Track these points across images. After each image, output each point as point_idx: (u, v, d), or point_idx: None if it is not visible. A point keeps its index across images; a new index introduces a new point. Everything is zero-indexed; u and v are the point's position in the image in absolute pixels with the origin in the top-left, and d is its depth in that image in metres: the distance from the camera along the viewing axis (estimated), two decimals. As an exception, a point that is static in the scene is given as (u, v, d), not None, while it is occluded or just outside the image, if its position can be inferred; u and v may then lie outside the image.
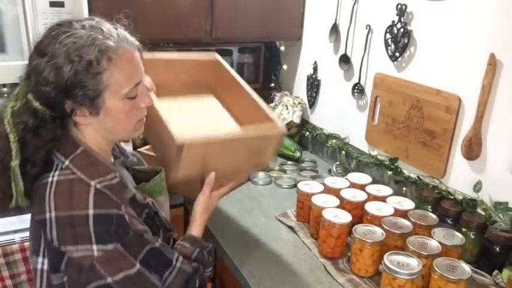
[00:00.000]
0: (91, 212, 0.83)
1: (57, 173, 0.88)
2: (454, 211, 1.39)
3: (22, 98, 0.87)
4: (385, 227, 1.31)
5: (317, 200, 1.46)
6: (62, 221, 0.84)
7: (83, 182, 0.87)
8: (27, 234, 1.44)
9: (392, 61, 1.66)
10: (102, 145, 0.97)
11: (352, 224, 1.35)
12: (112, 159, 1.04)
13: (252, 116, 1.33)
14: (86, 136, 0.94)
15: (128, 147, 1.59)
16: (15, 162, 0.86)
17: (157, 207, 1.03)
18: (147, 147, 1.72)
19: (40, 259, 0.90)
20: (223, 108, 1.47)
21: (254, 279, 1.23)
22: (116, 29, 0.91)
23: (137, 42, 0.94)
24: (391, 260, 1.15)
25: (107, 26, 0.89)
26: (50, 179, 0.88)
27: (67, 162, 0.89)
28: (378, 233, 1.29)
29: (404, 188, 1.65)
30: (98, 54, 0.83)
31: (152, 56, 1.32)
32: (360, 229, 1.30)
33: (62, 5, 1.52)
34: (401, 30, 1.59)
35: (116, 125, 0.94)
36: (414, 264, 1.14)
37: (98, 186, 0.86)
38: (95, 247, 0.83)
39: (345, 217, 1.36)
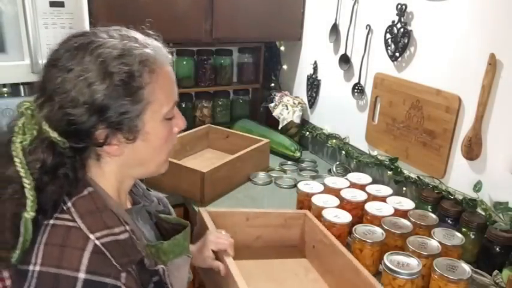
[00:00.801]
0: (81, 276, 0.65)
1: (55, 215, 0.70)
2: (454, 211, 1.39)
3: (31, 130, 0.69)
4: (385, 227, 1.31)
5: (317, 200, 1.46)
6: (45, 279, 0.67)
7: (81, 233, 0.68)
8: (27, 234, 1.45)
9: (392, 61, 1.66)
10: (122, 185, 0.80)
11: (352, 224, 1.35)
12: (129, 205, 0.86)
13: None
14: (105, 173, 0.76)
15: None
16: (30, 215, 0.67)
17: (166, 278, 0.79)
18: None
19: None
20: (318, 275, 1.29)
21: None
22: (148, 37, 0.77)
23: (170, 55, 0.79)
24: (391, 260, 1.15)
25: (138, 35, 0.76)
26: (45, 222, 0.70)
27: (69, 203, 0.71)
28: (378, 233, 1.29)
29: (404, 188, 1.65)
30: (139, 66, 0.70)
31: (232, 209, 1.27)
32: (360, 229, 1.30)
33: (62, 5, 1.52)
34: (401, 30, 1.59)
35: (151, 155, 0.77)
36: (414, 264, 1.14)
37: (98, 242, 0.68)
38: None
39: (345, 217, 1.36)
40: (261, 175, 1.90)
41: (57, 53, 0.72)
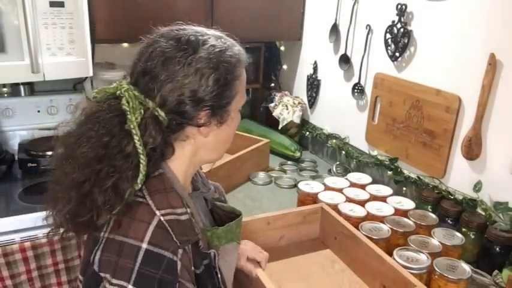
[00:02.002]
0: (144, 246, 0.72)
1: None
2: (454, 211, 1.39)
3: (139, 109, 0.75)
4: (389, 226, 1.32)
5: (323, 197, 1.50)
6: (111, 245, 0.75)
7: (149, 209, 0.76)
8: (27, 234, 1.45)
9: (392, 61, 1.66)
10: (190, 169, 0.87)
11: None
12: (190, 190, 0.93)
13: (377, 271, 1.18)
14: (182, 155, 0.84)
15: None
16: (138, 187, 0.76)
17: (216, 263, 0.85)
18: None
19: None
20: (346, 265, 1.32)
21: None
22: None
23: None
24: (401, 255, 1.18)
25: (222, 34, 0.86)
26: None
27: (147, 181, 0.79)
28: (384, 230, 1.31)
29: (404, 188, 1.65)
30: (236, 60, 0.82)
31: (252, 217, 1.31)
32: (366, 226, 1.32)
33: (62, 5, 1.52)
34: (401, 30, 1.59)
35: (226, 140, 0.88)
36: (423, 259, 1.16)
37: (162, 218, 0.75)
38: (130, 287, 0.71)
39: (360, 211, 1.41)
40: (261, 175, 1.90)
41: (166, 42, 0.78)
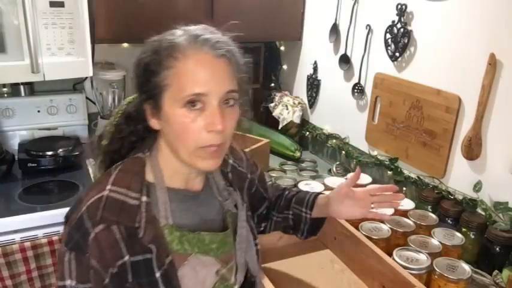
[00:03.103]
0: (83, 209, 0.78)
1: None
2: (454, 211, 1.39)
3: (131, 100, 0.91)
4: (389, 226, 1.32)
5: None
6: (75, 205, 0.83)
7: (107, 181, 0.81)
8: (27, 234, 1.45)
9: (392, 61, 1.66)
10: (176, 165, 0.84)
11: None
12: (180, 186, 0.88)
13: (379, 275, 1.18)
14: (162, 146, 0.86)
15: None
16: (100, 161, 0.93)
17: (159, 263, 0.79)
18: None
19: None
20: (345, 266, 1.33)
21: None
22: (202, 32, 0.80)
23: (218, 51, 0.79)
24: (401, 255, 1.17)
25: (191, 28, 0.82)
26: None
27: (126, 159, 0.87)
28: (384, 230, 1.31)
29: (404, 188, 1.65)
30: (164, 52, 0.78)
31: None
32: (366, 226, 1.32)
33: (62, 5, 1.52)
34: (401, 30, 1.59)
35: (175, 140, 0.81)
36: (423, 259, 1.16)
37: (106, 193, 0.79)
38: (64, 237, 0.79)
39: None
40: (261, 175, 1.90)
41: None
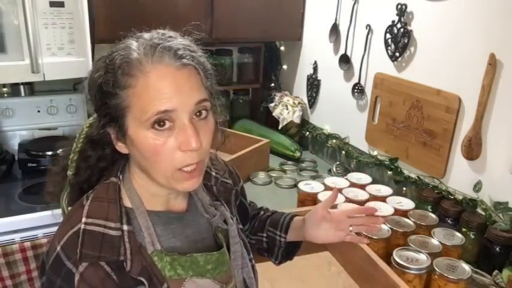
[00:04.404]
0: (58, 248, 0.71)
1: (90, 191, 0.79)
2: (454, 211, 1.39)
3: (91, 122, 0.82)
4: (389, 226, 1.32)
5: (323, 198, 1.49)
6: (53, 238, 0.75)
7: (81, 214, 0.73)
8: (27, 234, 1.45)
9: (392, 61, 1.66)
10: (152, 188, 0.78)
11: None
12: (185, 206, 0.84)
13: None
14: (133, 172, 0.79)
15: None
16: (62, 196, 0.83)
17: None
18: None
19: None
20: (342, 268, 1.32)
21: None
22: (159, 41, 0.71)
23: (177, 62, 0.70)
24: (400, 255, 1.17)
25: (146, 37, 0.72)
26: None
27: (97, 185, 0.79)
28: (384, 230, 1.31)
29: (404, 188, 1.65)
30: (117, 68, 0.69)
31: None
32: None
33: (62, 5, 1.52)
34: (401, 30, 1.59)
35: (146, 163, 0.73)
36: (423, 259, 1.16)
37: (83, 226, 0.72)
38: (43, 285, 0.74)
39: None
40: (261, 175, 1.90)
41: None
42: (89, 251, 0.70)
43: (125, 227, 0.74)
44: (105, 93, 0.70)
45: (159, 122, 0.69)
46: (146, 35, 0.73)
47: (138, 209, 0.77)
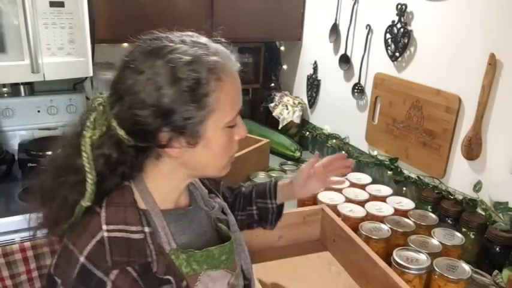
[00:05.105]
0: (81, 259, 0.70)
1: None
2: (454, 211, 1.39)
3: (101, 125, 0.73)
4: (389, 226, 1.32)
5: (323, 198, 1.49)
6: (65, 251, 0.73)
7: (99, 221, 0.72)
8: (27, 234, 1.45)
9: (392, 61, 1.66)
10: (170, 186, 0.80)
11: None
12: (172, 206, 0.83)
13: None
14: (158, 172, 0.78)
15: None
16: (86, 204, 0.73)
17: None
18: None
19: None
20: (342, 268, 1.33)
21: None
22: (217, 44, 0.78)
23: (238, 64, 0.79)
24: (401, 255, 1.18)
25: (208, 41, 0.77)
26: (94, 207, 0.76)
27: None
28: (384, 230, 1.31)
29: (404, 188, 1.65)
30: (207, 73, 0.70)
31: None
32: (366, 226, 1.32)
33: (62, 5, 1.52)
34: (401, 30, 1.59)
35: (210, 160, 0.78)
36: (423, 259, 1.16)
37: (106, 234, 0.71)
38: None
39: (359, 211, 1.42)
40: (261, 175, 1.90)
41: (132, 54, 0.73)
42: (118, 258, 0.71)
43: (146, 229, 0.75)
44: (195, 97, 0.70)
45: (233, 121, 0.77)
46: (211, 43, 0.77)
47: (153, 210, 0.77)
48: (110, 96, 0.73)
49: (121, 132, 0.71)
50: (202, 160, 0.77)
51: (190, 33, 0.77)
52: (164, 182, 0.79)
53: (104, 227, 0.72)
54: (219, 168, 0.80)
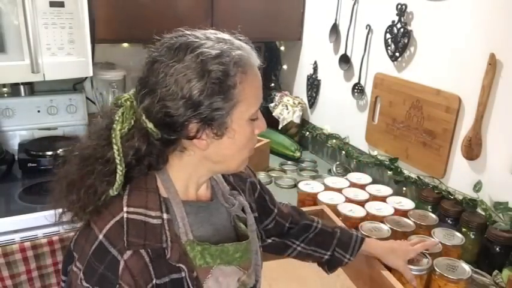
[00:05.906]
0: (100, 236, 0.74)
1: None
2: (454, 211, 1.39)
3: (129, 119, 0.77)
4: (389, 226, 1.32)
5: (323, 198, 1.49)
6: (85, 229, 0.78)
7: (121, 203, 0.76)
8: (27, 234, 1.45)
9: (392, 61, 1.66)
10: (193, 178, 0.84)
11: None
12: (193, 198, 0.86)
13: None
14: (182, 164, 0.81)
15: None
16: (114, 193, 0.77)
17: (191, 281, 0.78)
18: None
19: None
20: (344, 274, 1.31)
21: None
22: (240, 41, 0.81)
23: (258, 59, 0.82)
24: None
25: (232, 38, 0.80)
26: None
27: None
28: (384, 230, 1.31)
29: (404, 188, 1.65)
30: (233, 66, 0.74)
31: None
32: (366, 226, 1.32)
33: (62, 5, 1.52)
34: (401, 30, 1.59)
35: (234, 152, 0.81)
36: (424, 260, 1.16)
37: (125, 215, 0.75)
38: (81, 274, 0.74)
39: (359, 211, 1.41)
40: (261, 175, 1.90)
41: (160, 50, 0.76)
42: (135, 239, 0.74)
43: (165, 216, 0.78)
44: (223, 88, 0.73)
45: (256, 114, 0.80)
46: (235, 40, 0.79)
47: (174, 199, 0.80)
48: (139, 91, 0.76)
49: (150, 125, 0.75)
50: (226, 152, 0.80)
51: (212, 30, 0.80)
52: (187, 174, 0.82)
53: (125, 208, 0.76)
54: (240, 162, 0.83)
